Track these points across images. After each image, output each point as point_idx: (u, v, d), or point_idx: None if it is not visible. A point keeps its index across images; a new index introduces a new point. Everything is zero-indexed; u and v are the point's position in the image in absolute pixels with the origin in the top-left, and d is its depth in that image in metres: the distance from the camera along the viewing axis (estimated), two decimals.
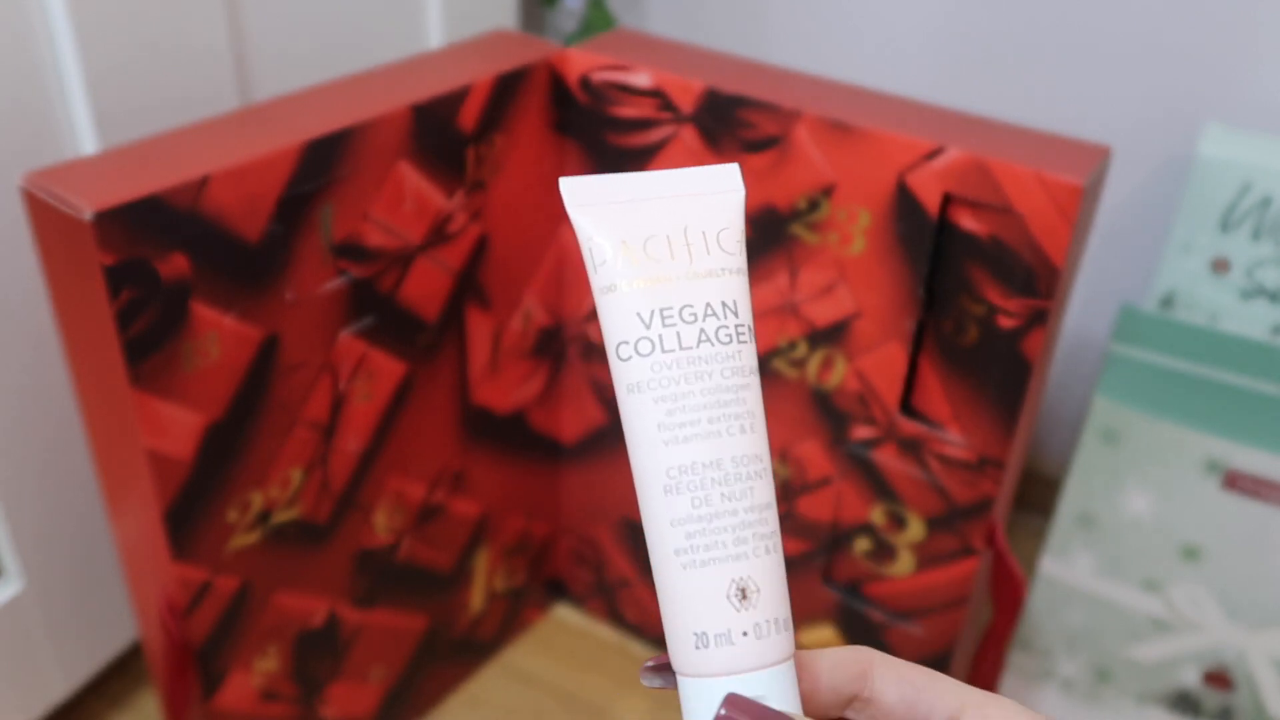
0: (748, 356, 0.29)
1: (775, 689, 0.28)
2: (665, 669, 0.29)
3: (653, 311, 0.28)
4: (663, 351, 0.28)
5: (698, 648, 0.28)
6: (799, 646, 0.31)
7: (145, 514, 0.52)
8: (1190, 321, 0.74)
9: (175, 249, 0.47)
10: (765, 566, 0.28)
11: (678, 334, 0.28)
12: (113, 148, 0.50)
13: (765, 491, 0.28)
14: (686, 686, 0.28)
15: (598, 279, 0.29)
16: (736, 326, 0.29)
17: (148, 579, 0.56)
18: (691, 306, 0.28)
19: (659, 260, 0.29)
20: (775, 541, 0.28)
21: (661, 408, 0.28)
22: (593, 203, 0.29)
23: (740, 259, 0.29)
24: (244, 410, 0.53)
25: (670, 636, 0.28)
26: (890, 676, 0.30)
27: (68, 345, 0.50)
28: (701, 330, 0.28)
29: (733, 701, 0.27)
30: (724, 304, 0.29)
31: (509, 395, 0.70)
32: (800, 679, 0.29)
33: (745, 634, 0.28)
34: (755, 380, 0.29)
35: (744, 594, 0.28)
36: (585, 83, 0.62)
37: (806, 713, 0.29)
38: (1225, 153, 0.71)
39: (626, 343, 0.28)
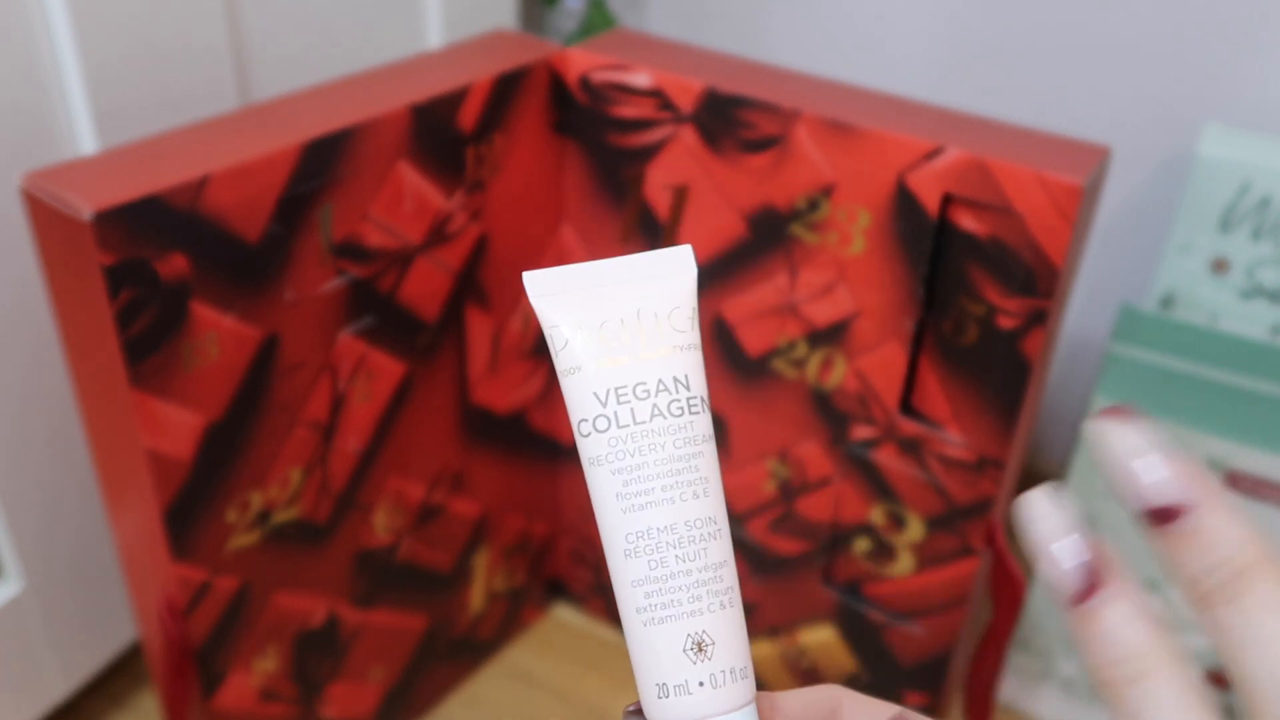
0: (700, 426, 0.31)
1: None
2: (641, 714, 0.31)
3: (608, 390, 0.30)
4: (618, 427, 0.30)
5: (660, 697, 0.30)
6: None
7: (145, 514, 0.52)
8: (1190, 321, 0.74)
9: (175, 249, 0.47)
10: (721, 621, 0.30)
11: (631, 410, 0.30)
12: (112, 148, 0.50)
13: (720, 551, 0.30)
14: None
15: (560, 362, 0.31)
16: (688, 399, 0.31)
17: (148, 579, 0.56)
18: (644, 384, 0.30)
19: (614, 342, 0.31)
20: (731, 596, 0.30)
21: (619, 479, 0.30)
22: (553, 292, 0.32)
23: (692, 335, 0.32)
24: (244, 410, 0.53)
25: (639, 685, 0.31)
26: (860, 716, 0.31)
27: (67, 345, 0.50)
28: (654, 405, 0.30)
29: None
30: (675, 379, 0.31)
31: (508, 395, 0.70)
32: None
33: (701, 684, 0.30)
34: (709, 447, 0.31)
35: (700, 647, 0.30)
36: (585, 83, 0.62)
37: None
38: (1225, 153, 0.71)
39: (586, 420, 0.30)
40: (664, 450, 0.30)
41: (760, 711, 0.31)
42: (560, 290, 0.32)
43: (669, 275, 0.32)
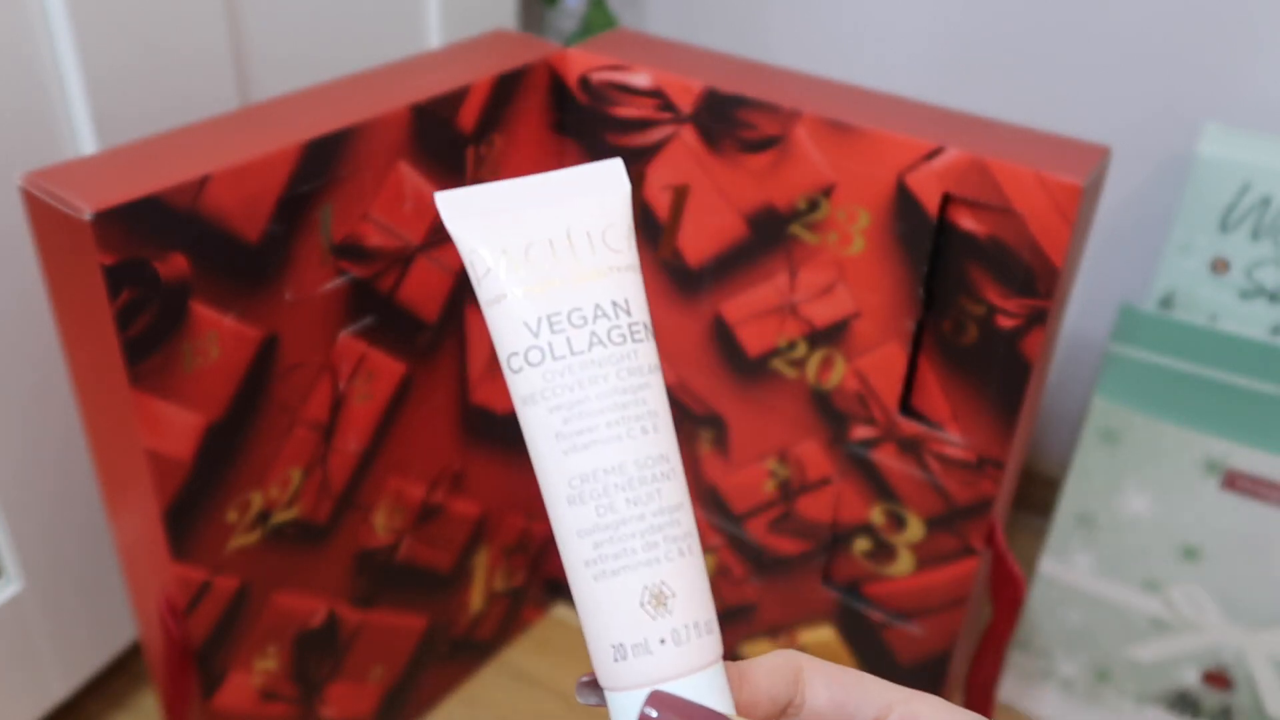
0: (645, 355, 0.28)
1: (702, 694, 0.27)
2: (596, 685, 0.28)
3: (540, 318, 0.27)
4: (554, 359, 0.27)
5: (616, 660, 0.27)
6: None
7: (145, 514, 0.52)
8: (1190, 321, 0.74)
9: (175, 249, 0.47)
10: (680, 569, 0.27)
11: (568, 339, 0.27)
12: (112, 148, 0.50)
13: (674, 492, 0.27)
14: (612, 701, 0.27)
15: (483, 291, 0.28)
16: (630, 325, 0.28)
17: (148, 579, 0.56)
18: (580, 309, 0.27)
19: (542, 266, 0.28)
20: (690, 543, 0.27)
21: (558, 416, 0.27)
22: (471, 214, 0.28)
23: (630, 255, 0.29)
24: (244, 410, 0.53)
25: (591, 650, 0.28)
26: (820, 680, 0.30)
27: (67, 345, 0.50)
28: (592, 333, 0.27)
29: (657, 698, 0.26)
30: (614, 303, 0.28)
31: (509, 395, 0.70)
32: (741, 688, 0.28)
33: (663, 641, 0.26)
34: (656, 378, 0.28)
35: (659, 600, 0.27)
36: (585, 83, 0.62)
37: None
38: (1224, 153, 0.71)
39: (517, 354, 0.27)
40: (607, 383, 0.27)
41: (729, 680, 0.28)
42: (479, 211, 0.28)
43: (599, 190, 0.29)
